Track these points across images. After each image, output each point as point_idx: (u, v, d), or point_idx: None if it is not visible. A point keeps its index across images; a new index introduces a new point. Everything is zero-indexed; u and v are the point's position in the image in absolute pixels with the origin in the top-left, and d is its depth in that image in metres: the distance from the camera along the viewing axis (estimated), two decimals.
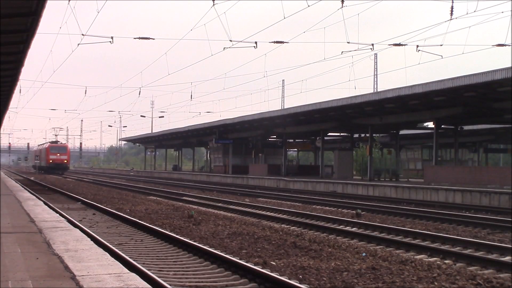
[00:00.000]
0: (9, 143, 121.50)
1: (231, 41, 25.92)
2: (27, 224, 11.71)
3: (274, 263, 10.83)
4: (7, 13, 12.45)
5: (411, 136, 55.94)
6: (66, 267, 6.81)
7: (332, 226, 17.65)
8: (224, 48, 27.74)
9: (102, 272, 6.47)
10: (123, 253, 11.31)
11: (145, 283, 6.05)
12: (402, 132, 49.50)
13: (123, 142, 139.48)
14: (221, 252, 11.84)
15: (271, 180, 47.54)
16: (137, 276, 6.37)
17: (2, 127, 76.09)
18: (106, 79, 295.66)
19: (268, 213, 21.88)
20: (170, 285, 8.68)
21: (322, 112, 40.03)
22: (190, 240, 13.54)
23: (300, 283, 8.92)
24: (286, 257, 11.54)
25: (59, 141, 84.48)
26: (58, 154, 78.94)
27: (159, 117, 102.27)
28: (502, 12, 25.99)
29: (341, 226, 17.70)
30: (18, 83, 25.84)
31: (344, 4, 21.32)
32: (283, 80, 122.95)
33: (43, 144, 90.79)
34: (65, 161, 79.56)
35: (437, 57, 31.23)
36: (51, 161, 78.17)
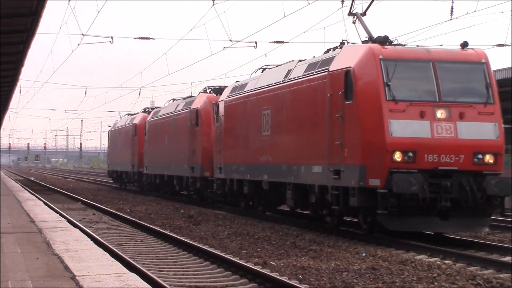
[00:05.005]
0: (9, 143, 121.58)
1: (231, 41, 25.85)
2: (27, 224, 11.72)
3: (274, 263, 10.83)
4: (7, 13, 12.45)
5: None
6: (66, 267, 6.81)
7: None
8: (224, 47, 27.66)
9: (102, 272, 6.47)
10: (123, 253, 11.31)
11: (145, 283, 6.06)
12: None
13: None
14: (221, 252, 11.84)
15: None
16: (137, 276, 6.38)
17: (2, 127, 75.07)
18: (106, 79, 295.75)
19: (268, 213, 21.82)
20: (170, 285, 8.68)
21: None
22: (190, 240, 13.54)
23: (300, 283, 8.92)
24: (286, 257, 11.53)
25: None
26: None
27: None
28: (502, 12, 25.93)
29: (341, 226, 17.63)
30: (18, 83, 25.88)
31: (344, 4, 21.29)
32: None
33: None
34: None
35: None
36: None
